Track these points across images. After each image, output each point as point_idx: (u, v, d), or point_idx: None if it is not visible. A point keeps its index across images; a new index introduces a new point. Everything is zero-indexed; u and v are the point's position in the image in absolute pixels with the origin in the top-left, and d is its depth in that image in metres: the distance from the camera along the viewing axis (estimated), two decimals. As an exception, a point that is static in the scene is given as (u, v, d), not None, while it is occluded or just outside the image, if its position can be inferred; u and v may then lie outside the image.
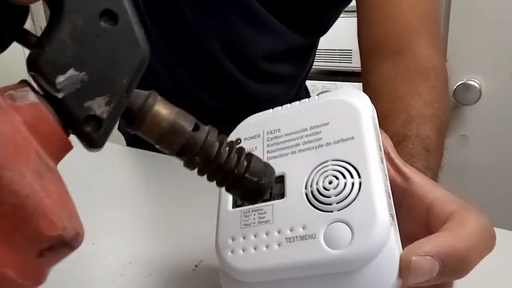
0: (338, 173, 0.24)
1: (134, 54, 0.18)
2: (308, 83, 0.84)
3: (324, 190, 0.24)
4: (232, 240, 0.25)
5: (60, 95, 0.17)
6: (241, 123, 0.30)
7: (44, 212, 0.15)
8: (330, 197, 0.23)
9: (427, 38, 0.52)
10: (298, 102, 0.29)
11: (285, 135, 0.27)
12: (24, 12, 0.18)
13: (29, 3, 0.16)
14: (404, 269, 0.22)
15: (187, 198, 0.51)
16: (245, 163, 0.22)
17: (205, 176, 0.22)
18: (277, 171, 0.25)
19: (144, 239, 0.45)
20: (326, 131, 0.26)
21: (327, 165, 0.24)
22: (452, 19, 1.10)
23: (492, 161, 1.15)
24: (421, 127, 0.43)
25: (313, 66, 0.80)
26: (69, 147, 0.18)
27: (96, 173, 0.60)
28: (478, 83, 1.11)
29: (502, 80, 1.09)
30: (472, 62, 1.11)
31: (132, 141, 0.77)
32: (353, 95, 0.27)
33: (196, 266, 0.38)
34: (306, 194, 0.24)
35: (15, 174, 0.14)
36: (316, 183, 0.24)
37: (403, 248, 0.23)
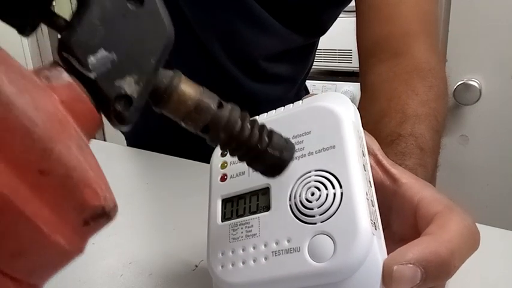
0: (320, 184, 0.24)
1: (160, 34, 0.19)
2: (308, 83, 0.84)
3: (307, 202, 0.24)
4: (222, 254, 0.26)
5: (92, 75, 0.17)
6: None
7: (88, 183, 0.16)
8: (312, 209, 0.23)
9: (426, 40, 0.52)
10: (283, 108, 0.28)
11: None
12: None
13: None
14: (387, 278, 0.22)
15: (187, 198, 0.51)
16: (267, 138, 0.22)
17: (228, 152, 0.22)
18: (263, 183, 0.26)
19: (144, 239, 0.45)
20: (308, 140, 0.26)
21: (310, 176, 0.24)
22: (452, 19, 1.10)
23: (492, 161, 1.15)
24: (415, 126, 0.43)
25: (313, 66, 0.80)
26: (100, 124, 0.19)
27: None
28: (478, 83, 1.11)
29: (502, 80, 1.09)
30: (472, 62, 1.11)
31: (132, 141, 0.77)
32: (335, 100, 0.27)
33: (196, 266, 0.38)
34: (290, 206, 0.24)
35: (63, 147, 0.15)
36: (300, 195, 0.24)
37: (392, 251, 0.23)
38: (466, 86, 1.12)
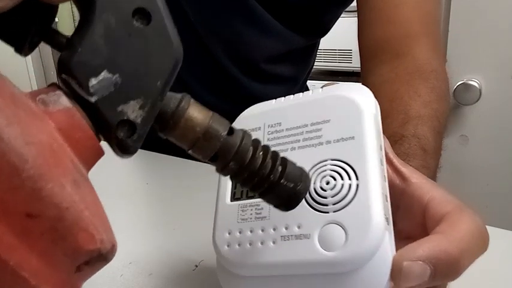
0: (336, 173, 0.24)
1: (168, 54, 0.17)
2: (308, 83, 0.85)
3: (321, 190, 0.24)
4: (229, 233, 0.25)
5: (93, 99, 0.16)
6: (242, 113, 0.30)
7: (83, 225, 0.14)
8: (326, 198, 0.23)
9: (428, 41, 0.52)
10: (301, 94, 0.28)
11: (286, 129, 0.27)
12: (52, 11, 0.17)
13: (60, 2, 0.16)
14: (396, 273, 0.22)
15: (187, 198, 0.51)
16: (280, 168, 0.20)
17: (239, 182, 0.21)
18: None
19: (144, 239, 0.45)
20: (327, 129, 0.25)
21: (326, 165, 0.24)
22: (452, 19, 1.10)
23: (492, 161, 1.15)
24: (418, 127, 0.43)
25: (313, 66, 0.80)
26: (101, 153, 0.17)
27: (96, 172, 0.60)
28: (478, 83, 1.11)
29: (502, 80, 1.09)
30: (472, 62, 1.11)
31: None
32: (357, 91, 0.26)
33: (196, 266, 0.38)
34: None
35: (56, 185, 0.14)
36: (314, 183, 0.24)
37: (398, 249, 0.23)
38: (466, 86, 1.12)
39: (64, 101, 0.16)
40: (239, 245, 0.25)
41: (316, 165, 0.24)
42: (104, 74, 0.16)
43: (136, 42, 0.17)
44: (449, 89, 0.52)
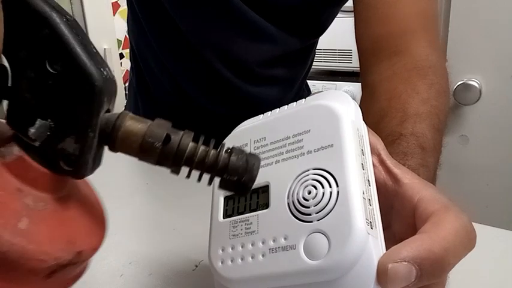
0: (317, 182, 0.24)
1: (87, 89, 0.19)
2: (308, 83, 0.84)
3: (304, 200, 0.24)
4: (222, 250, 0.26)
5: (36, 144, 0.19)
6: (233, 131, 0.31)
7: (28, 256, 0.17)
8: (309, 207, 0.23)
9: (425, 37, 0.52)
10: (286, 106, 0.29)
11: (270, 143, 0.27)
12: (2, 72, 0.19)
13: None
14: (382, 276, 0.22)
15: (187, 198, 0.51)
16: (223, 162, 0.22)
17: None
18: (263, 181, 0.26)
19: (144, 239, 0.45)
20: (307, 139, 0.26)
21: (308, 174, 0.25)
22: (452, 19, 1.10)
23: (492, 161, 1.15)
24: (416, 125, 0.42)
25: (313, 66, 0.80)
26: (64, 177, 0.20)
27: (96, 172, 0.60)
28: (478, 83, 1.11)
29: (502, 80, 1.09)
30: (472, 62, 1.11)
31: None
32: (335, 98, 0.27)
33: (196, 266, 0.38)
34: (288, 204, 0.24)
35: None
36: (297, 193, 0.24)
37: None
38: (466, 86, 1.12)
39: (16, 150, 0.19)
40: (231, 260, 0.25)
41: (299, 175, 0.25)
42: (39, 122, 0.19)
43: (56, 87, 0.19)
44: (449, 88, 0.52)
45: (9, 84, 0.19)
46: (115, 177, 0.59)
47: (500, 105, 1.11)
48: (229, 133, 0.31)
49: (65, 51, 0.18)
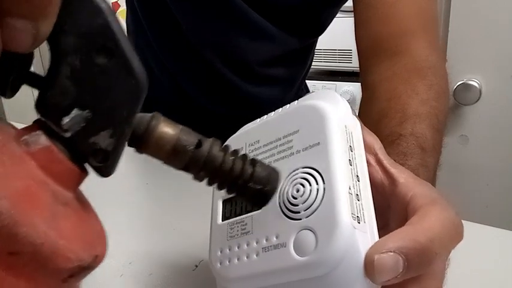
0: (305, 180, 0.24)
1: (132, 85, 0.19)
2: (308, 83, 0.84)
3: (293, 199, 0.24)
4: (221, 252, 0.27)
5: (67, 135, 0.18)
6: (232, 136, 0.31)
7: (59, 252, 0.16)
8: (298, 205, 0.24)
9: (425, 37, 0.52)
10: (280, 109, 0.29)
11: (263, 146, 0.28)
12: (29, 56, 0.18)
13: (30, 50, 0.17)
14: (369, 268, 0.22)
15: (187, 198, 0.51)
16: (249, 172, 0.23)
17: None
18: None
19: (144, 239, 0.45)
20: (297, 139, 0.26)
21: (297, 173, 0.25)
22: (452, 19, 1.10)
23: (492, 161, 1.15)
24: (416, 125, 0.43)
25: (313, 66, 0.80)
26: (84, 175, 0.19)
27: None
28: (478, 83, 1.12)
29: (502, 80, 1.10)
30: (472, 62, 1.11)
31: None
32: (322, 97, 0.27)
33: (196, 266, 0.38)
34: (279, 204, 0.25)
35: (29, 228, 0.16)
36: (287, 192, 0.25)
37: None
38: (466, 86, 1.12)
39: (43, 140, 0.18)
40: (229, 261, 0.26)
41: (289, 175, 0.25)
42: (75, 112, 0.18)
43: (101, 78, 0.18)
44: (449, 85, 0.52)
45: (47, 68, 0.18)
46: (115, 177, 0.59)
47: (500, 105, 1.11)
48: (230, 133, 0.31)
49: (116, 44, 0.18)
